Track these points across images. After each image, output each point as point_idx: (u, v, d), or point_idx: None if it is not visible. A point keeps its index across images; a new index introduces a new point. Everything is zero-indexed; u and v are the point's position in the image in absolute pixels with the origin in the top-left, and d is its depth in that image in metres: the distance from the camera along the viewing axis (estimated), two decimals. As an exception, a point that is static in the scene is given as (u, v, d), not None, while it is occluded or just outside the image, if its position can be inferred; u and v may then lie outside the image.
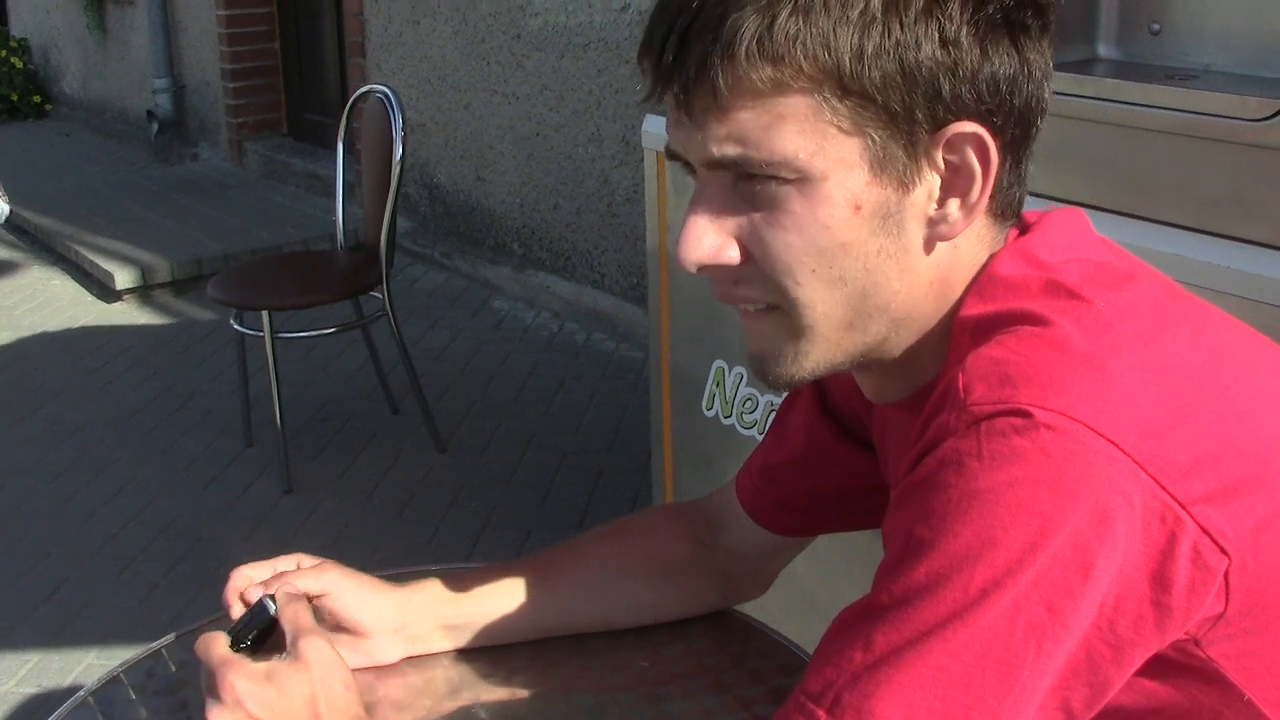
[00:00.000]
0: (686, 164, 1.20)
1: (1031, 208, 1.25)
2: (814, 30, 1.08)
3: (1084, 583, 1.01)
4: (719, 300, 1.23)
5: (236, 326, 4.95)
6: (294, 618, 1.42)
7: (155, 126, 9.75)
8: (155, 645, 1.69)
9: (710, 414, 3.10)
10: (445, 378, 5.77)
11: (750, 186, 1.14)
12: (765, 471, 1.62)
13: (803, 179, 1.12)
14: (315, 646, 1.38)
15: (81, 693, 1.60)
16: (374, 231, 4.90)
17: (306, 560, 1.59)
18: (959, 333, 1.17)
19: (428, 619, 1.61)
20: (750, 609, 1.75)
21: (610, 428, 5.27)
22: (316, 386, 5.72)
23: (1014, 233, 1.23)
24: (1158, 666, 1.08)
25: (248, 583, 1.52)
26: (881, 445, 1.44)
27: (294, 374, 5.48)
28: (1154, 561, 1.02)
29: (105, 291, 7.09)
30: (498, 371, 5.89)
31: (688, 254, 1.17)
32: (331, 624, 1.58)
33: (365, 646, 1.59)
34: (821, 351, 1.20)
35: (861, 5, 1.08)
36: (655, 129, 3.06)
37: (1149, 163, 2.14)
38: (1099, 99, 2.17)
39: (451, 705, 1.57)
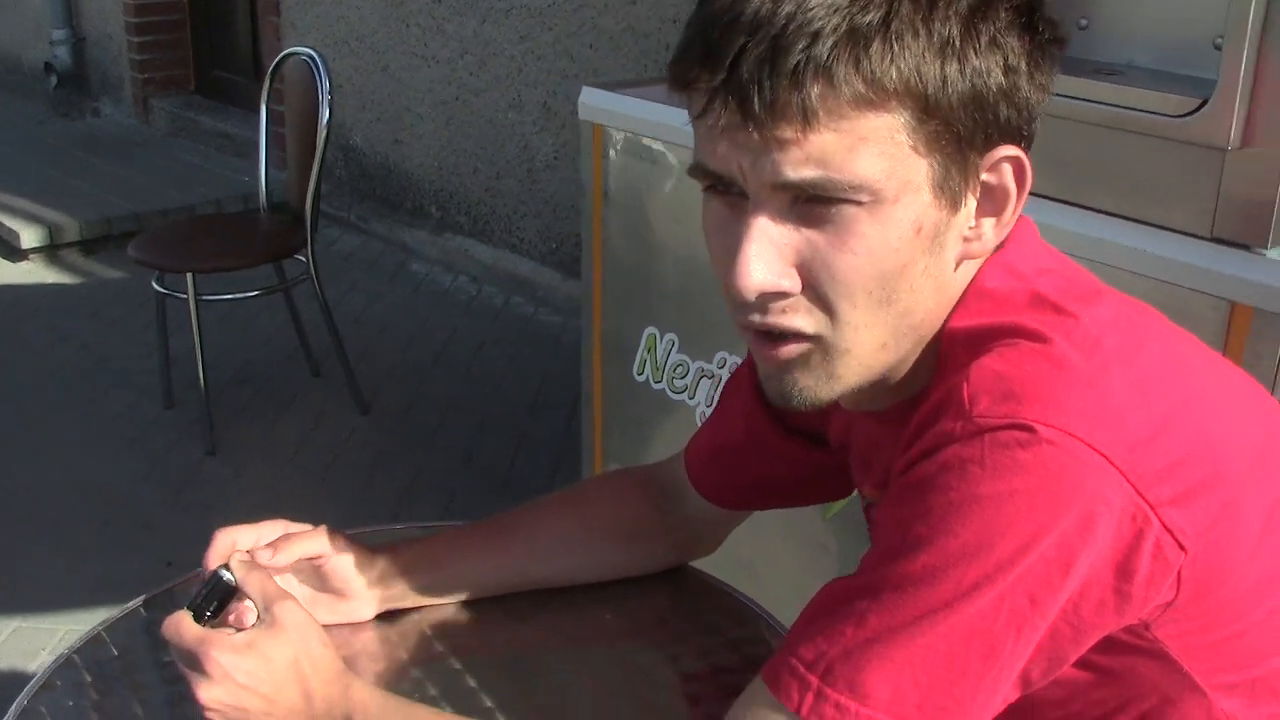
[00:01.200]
0: (715, 180, 1.19)
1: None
2: (906, 54, 1.10)
3: (1065, 578, 1.09)
4: (754, 330, 1.22)
5: (158, 288, 4.94)
6: (261, 585, 1.45)
7: (54, 80, 9.50)
8: (132, 604, 1.74)
9: (641, 379, 3.17)
10: (365, 341, 5.78)
11: (815, 209, 1.14)
12: (710, 451, 1.71)
13: (875, 201, 1.13)
14: (289, 610, 1.42)
15: (65, 650, 1.64)
16: (297, 194, 4.90)
17: (292, 526, 1.63)
18: (949, 344, 1.23)
19: (404, 584, 1.68)
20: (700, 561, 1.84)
21: (531, 391, 5.32)
22: (237, 349, 5.71)
23: None
24: (1109, 644, 1.17)
25: (231, 545, 1.54)
26: (843, 441, 1.51)
27: (213, 336, 5.43)
28: (1120, 555, 1.10)
29: (10, 251, 6.96)
30: (417, 335, 5.91)
31: (750, 279, 1.15)
32: (317, 586, 1.65)
33: (344, 607, 1.66)
34: (855, 373, 1.22)
35: (944, 32, 1.11)
36: (593, 101, 3.12)
37: (1077, 152, 2.23)
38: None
39: (425, 657, 1.64)
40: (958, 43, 1.12)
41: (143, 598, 1.75)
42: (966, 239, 1.21)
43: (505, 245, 6.51)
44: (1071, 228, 2.20)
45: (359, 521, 4.09)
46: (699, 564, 1.84)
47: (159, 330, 5.12)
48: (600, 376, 3.35)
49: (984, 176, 1.19)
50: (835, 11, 1.09)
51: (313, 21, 7.52)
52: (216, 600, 1.47)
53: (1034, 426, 1.09)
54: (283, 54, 5.16)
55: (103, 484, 4.62)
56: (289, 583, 1.62)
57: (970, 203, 1.20)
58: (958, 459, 1.11)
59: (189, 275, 4.70)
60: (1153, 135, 2.11)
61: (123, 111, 9.32)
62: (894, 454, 1.21)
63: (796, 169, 1.12)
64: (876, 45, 1.09)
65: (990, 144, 1.17)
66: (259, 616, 1.43)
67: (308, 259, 4.92)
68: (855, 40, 1.09)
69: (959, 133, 1.14)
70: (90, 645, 1.66)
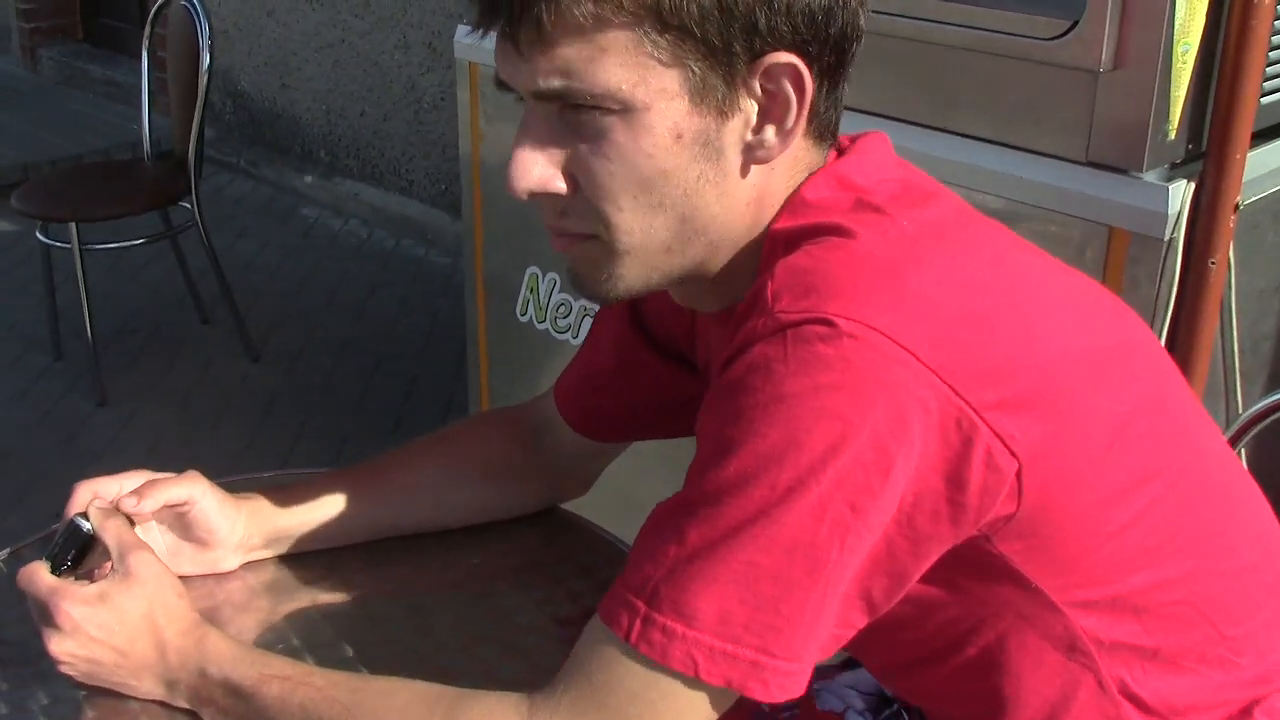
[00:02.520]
0: (503, 88, 1.23)
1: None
2: None
3: (883, 482, 1.08)
4: (546, 227, 1.27)
5: (42, 238, 4.87)
6: (117, 534, 1.45)
7: (-63, 30, 9.40)
8: (-5, 558, 1.70)
9: (524, 319, 3.16)
10: (255, 286, 5.73)
11: (576, 117, 1.18)
12: (580, 381, 1.69)
13: (625, 110, 1.16)
14: (143, 561, 1.42)
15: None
16: (181, 141, 4.84)
17: (156, 475, 1.60)
18: (770, 246, 1.23)
19: (265, 531, 1.65)
20: (571, 508, 1.82)
21: (422, 333, 5.30)
22: (125, 298, 5.64)
23: (832, 155, 1.29)
24: (954, 560, 1.16)
25: (91, 496, 1.53)
26: (704, 356, 1.50)
27: (101, 286, 5.38)
28: (950, 464, 1.09)
29: (-107, 203, 6.85)
30: (308, 279, 5.87)
31: (518, 182, 1.21)
32: (181, 534, 1.62)
33: (209, 557, 1.63)
34: (637, 273, 1.25)
35: None
36: (469, 39, 3.09)
37: (947, 77, 2.22)
38: (900, 15, 2.24)
39: (291, 606, 1.62)
40: None
41: (6, 551, 1.71)
42: (749, 145, 1.21)
43: (395, 188, 6.46)
44: (945, 154, 2.19)
45: (250, 468, 4.13)
46: (578, 505, 1.82)
47: (45, 281, 5.05)
48: (484, 318, 3.33)
49: (763, 84, 1.19)
50: None
51: (197, -36, 7.38)
52: (74, 550, 1.46)
53: (834, 320, 1.08)
54: (161, 0, 5.06)
55: (-10, 438, 4.57)
56: (151, 533, 1.60)
57: (747, 109, 1.20)
58: (763, 358, 1.10)
59: (73, 225, 4.65)
60: (1024, 59, 2.11)
61: (10, 61, 9.17)
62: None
63: (546, 79, 1.16)
64: None
65: (757, 53, 1.17)
66: (113, 567, 1.42)
67: (193, 205, 4.86)
68: None
69: (712, 42, 1.15)
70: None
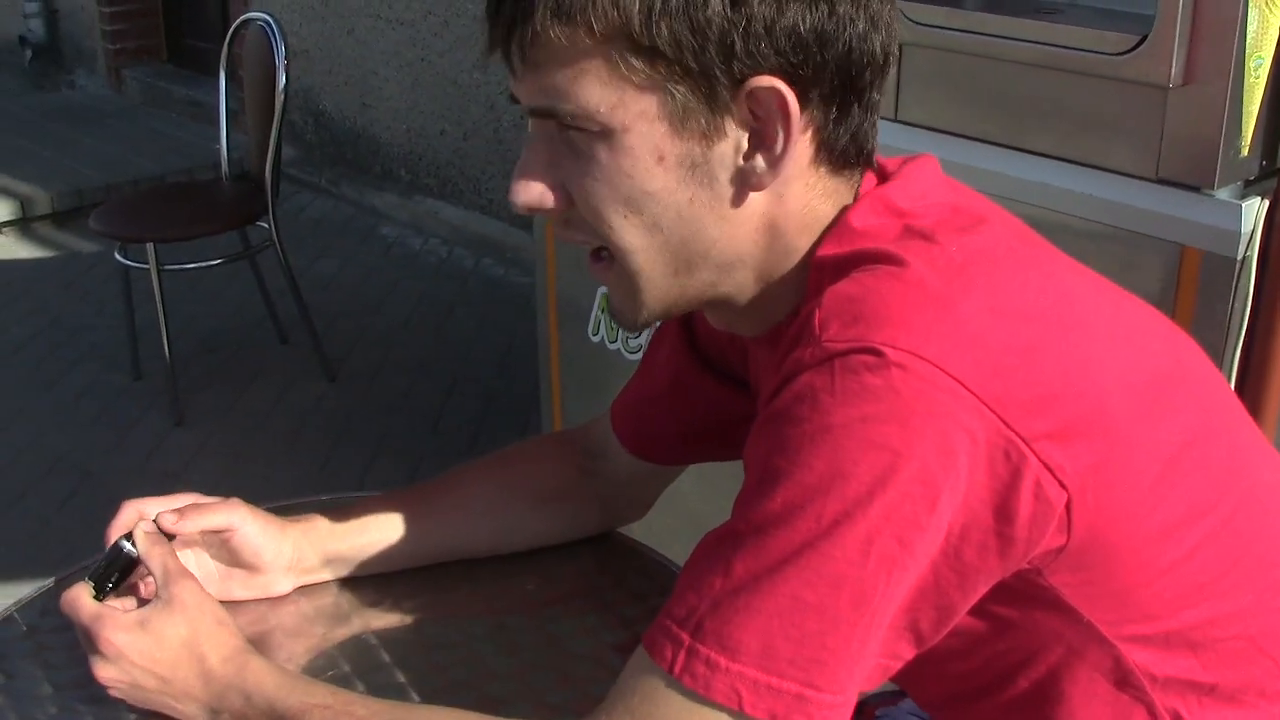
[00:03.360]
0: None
1: (900, 137, 1.29)
2: None
3: (930, 514, 1.05)
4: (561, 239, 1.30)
5: (120, 259, 4.91)
6: (160, 560, 1.44)
7: (28, 53, 9.52)
8: (47, 584, 1.69)
9: (596, 339, 3.14)
10: (334, 306, 5.75)
11: (569, 135, 1.19)
12: (636, 404, 1.67)
13: (606, 130, 1.17)
14: (185, 588, 1.41)
15: (-24, 630, 1.61)
16: (259, 161, 4.87)
17: (202, 499, 1.60)
18: (816, 272, 1.21)
19: (319, 553, 1.64)
20: (637, 529, 1.80)
21: (499, 353, 5.29)
22: (204, 318, 5.67)
23: (873, 180, 1.26)
24: (1003, 593, 1.14)
25: (137, 517, 1.53)
26: (754, 378, 1.48)
27: (181, 306, 5.43)
28: (998, 495, 1.07)
29: (-17, 224, 6.96)
30: (386, 299, 5.88)
31: (514, 196, 1.24)
32: (228, 560, 1.61)
33: (259, 581, 1.62)
34: (656, 297, 1.26)
35: None
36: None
37: (1015, 93, 2.19)
38: (967, 31, 2.22)
39: (343, 632, 1.60)
40: None
41: (54, 577, 1.71)
42: (741, 171, 1.20)
43: (474, 206, 6.47)
44: (1014, 172, 2.16)
45: (325, 488, 4.14)
46: (644, 527, 1.80)
47: (124, 301, 5.09)
48: (557, 338, 3.32)
49: (751, 109, 1.18)
50: None
51: (279, -14, 7.46)
52: (117, 572, 1.46)
53: (881, 349, 1.06)
54: (239, 20, 5.10)
55: (69, 457, 4.60)
56: (201, 559, 1.60)
57: (735, 135, 1.19)
58: (809, 387, 1.08)
59: (150, 245, 4.67)
60: (1093, 74, 2.07)
61: (96, 82, 9.30)
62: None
63: (533, 98, 1.20)
64: None
65: (736, 76, 1.16)
66: (156, 593, 1.42)
67: (270, 225, 4.88)
68: None
69: (689, 65, 1.14)
70: (2, 625, 1.63)
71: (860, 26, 1.17)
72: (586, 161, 1.19)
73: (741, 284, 1.27)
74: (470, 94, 6.32)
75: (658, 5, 1.12)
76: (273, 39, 4.73)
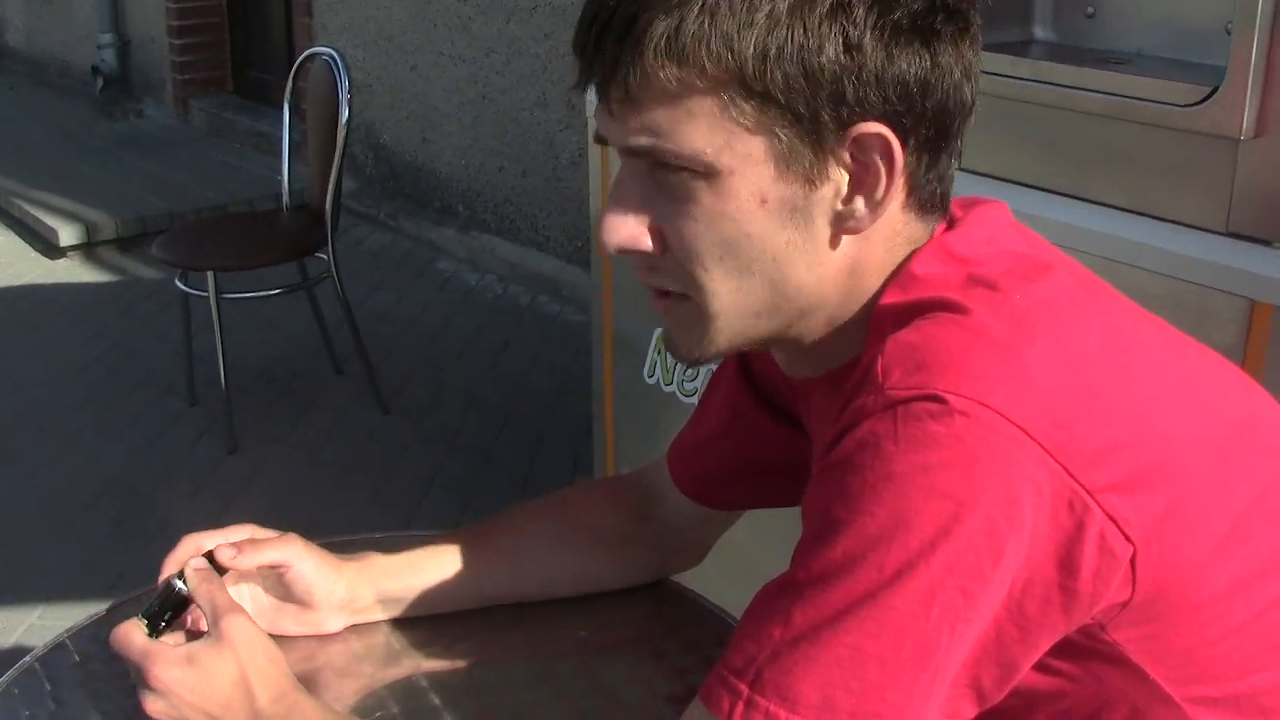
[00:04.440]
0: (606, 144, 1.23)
1: (966, 186, 1.28)
2: (719, 32, 1.11)
3: (995, 566, 1.04)
4: (638, 281, 1.28)
5: (181, 286, 4.94)
6: (210, 597, 1.43)
7: (100, 82, 9.65)
8: (99, 611, 1.69)
9: (651, 381, 3.13)
10: (389, 339, 5.76)
11: (664, 175, 1.18)
12: (693, 447, 1.66)
13: (710, 172, 1.15)
14: (236, 625, 1.40)
15: (27, 659, 1.61)
16: (319, 193, 4.89)
17: (259, 532, 1.59)
18: (879, 319, 1.20)
19: (373, 592, 1.63)
20: (691, 576, 1.78)
21: (553, 390, 5.28)
22: (261, 347, 5.70)
23: (941, 226, 1.25)
24: (1066, 649, 1.11)
25: (195, 551, 1.52)
26: (807, 422, 1.46)
27: (238, 334, 5.46)
28: (1062, 547, 1.05)
29: (49, 248, 7.02)
30: (441, 333, 5.89)
31: (607, 238, 1.22)
32: (281, 595, 1.60)
33: (311, 618, 1.62)
34: (726, 337, 1.25)
35: (767, 8, 1.11)
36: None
37: (1083, 143, 2.17)
38: (1034, 80, 2.20)
39: (393, 673, 1.59)
40: (783, 18, 1.12)
41: (108, 605, 1.71)
42: (839, 215, 1.19)
43: (531, 243, 6.48)
44: (1082, 223, 2.14)
45: (376, 521, 4.14)
46: (698, 572, 1.78)
47: (183, 328, 5.13)
48: (611, 377, 3.31)
49: (853, 154, 1.17)
50: None
51: (343, 22, 7.53)
52: (170, 610, 1.46)
53: (945, 397, 1.05)
54: (304, 54, 5.14)
55: (123, 480, 4.63)
56: (255, 592, 1.60)
57: (837, 178, 1.18)
58: (872, 435, 1.07)
59: (209, 273, 4.70)
60: (1163, 126, 2.05)
61: (164, 112, 9.41)
62: (828, 426, 1.18)
63: (635, 137, 1.17)
64: (689, 24, 1.12)
65: (845, 122, 1.15)
66: (207, 629, 1.41)
67: (329, 257, 4.90)
68: (670, 20, 1.12)
69: (798, 110, 1.14)
70: (54, 653, 1.63)
71: (956, 76, 1.17)
72: (686, 203, 1.18)
73: (814, 327, 1.26)
74: (529, 131, 6.34)
75: (772, 50, 1.11)
76: (337, 73, 4.76)
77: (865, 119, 1.15)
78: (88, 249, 7.01)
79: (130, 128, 9.32)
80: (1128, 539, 1.06)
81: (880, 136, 1.15)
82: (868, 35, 1.12)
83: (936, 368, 1.07)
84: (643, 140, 1.16)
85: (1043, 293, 1.16)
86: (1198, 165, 2.03)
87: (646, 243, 1.21)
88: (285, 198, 5.29)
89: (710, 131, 1.14)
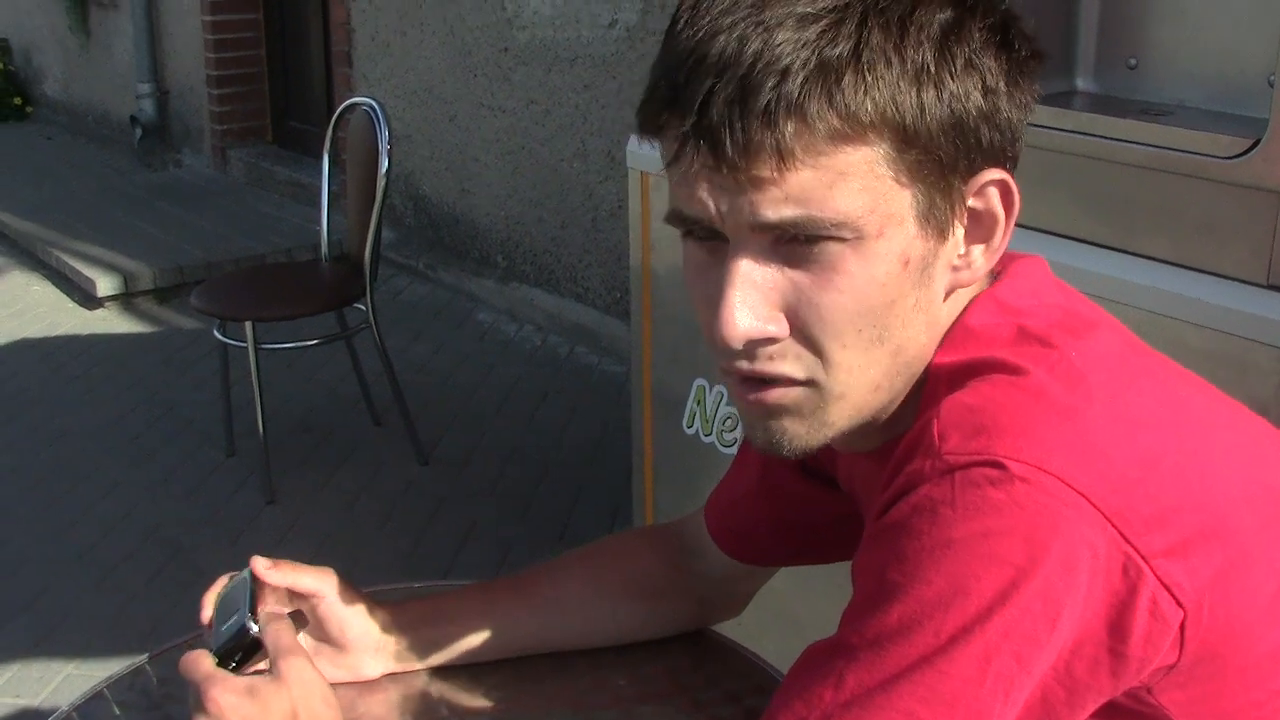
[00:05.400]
0: (692, 225, 1.14)
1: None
2: (880, 84, 1.06)
3: (1051, 631, 1.02)
4: (740, 376, 1.17)
5: (219, 336, 4.96)
6: (275, 637, 1.43)
7: (139, 131, 9.72)
8: (139, 660, 1.70)
9: (690, 432, 3.12)
10: (428, 390, 5.77)
11: (798, 249, 1.10)
12: (728, 502, 1.65)
13: (858, 237, 1.09)
14: (296, 666, 1.40)
15: (65, 708, 1.62)
16: (358, 243, 4.91)
17: (301, 568, 1.60)
18: (933, 381, 1.18)
19: (409, 639, 1.63)
20: (730, 626, 1.77)
21: (592, 442, 5.28)
22: (299, 397, 5.72)
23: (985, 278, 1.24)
24: (1111, 710, 1.10)
25: (226, 582, 1.54)
26: (849, 486, 1.44)
27: (277, 384, 5.48)
28: (1113, 610, 1.04)
29: (86, 298, 7.07)
30: (480, 384, 5.90)
31: (736, 328, 1.11)
32: (316, 634, 1.60)
33: (348, 661, 1.61)
34: (847, 416, 1.18)
35: (917, 58, 1.07)
36: (641, 149, 3.08)
37: (1125, 195, 2.16)
38: (1076, 132, 2.20)
39: (431, 723, 1.58)
40: (932, 68, 1.08)
41: (146, 655, 1.71)
42: (955, 268, 1.17)
43: (570, 294, 6.49)
44: (1122, 275, 2.13)
45: (414, 572, 4.13)
46: (736, 622, 1.77)
47: (221, 378, 5.15)
48: (650, 429, 3.30)
49: (970, 202, 1.15)
50: (803, 46, 1.05)
51: (383, 73, 7.58)
52: (241, 651, 1.46)
53: (1005, 463, 1.03)
54: (345, 104, 5.17)
55: (161, 531, 4.64)
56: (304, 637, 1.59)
57: (958, 230, 1.15)
58: (929, 500, 1.05)
59: (248, 324, 4.71)
60: (1204, 178, 2.04)
61: (202, 162, 9.46)
62: (878, 492, 1.16)
63: (776, 209, 1.08)
64: (849, 77, 1.05)
65: (974, 169, 1.13)
66: (269, 665, 1.42)
67: (367, 307, 4.91)
68: (826, 74, 1.05)
69: (941, 160, 1.10)
70: (91, 702, 1.63)
71: (1028, 118, 1.17)
72: (829, 274, 1.10)
73: (900, 395, 1.21)
74: (569, 183, 6.36)
75: (929, 99, 1.08)
76: (376, 123, 4.78)
77: (988, 165, 1.14)
78: (125, 299, 7.05)
79: (168, 177, 9.38)
80: (1179, 604, 1.05)
81: (1003, 181, 1.14)
82: (1001, 81, 1.12)
83: (995, 432, 1.06)
84: (788, 212, 1.08)
85: (1096, 350, 1.15)
86: (1239, 217, 2.02)
87: (777, 328, 1.12)
88: (324, 248, 5.31)
89: (863, 192, 1.08)
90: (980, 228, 1.16)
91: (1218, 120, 2.07)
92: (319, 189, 5.31)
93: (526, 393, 5.79)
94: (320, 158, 5.30)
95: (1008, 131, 1.14)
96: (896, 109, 1.07)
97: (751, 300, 1.11)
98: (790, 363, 1.14)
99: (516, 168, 6.71)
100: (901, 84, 1.07)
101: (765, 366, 1.15)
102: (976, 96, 1.10)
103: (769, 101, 1.04)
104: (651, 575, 1.70)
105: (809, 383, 1.15)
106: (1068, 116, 2.22)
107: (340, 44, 7.89)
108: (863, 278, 1.10)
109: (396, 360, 5.16)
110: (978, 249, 1.16)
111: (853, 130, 1.06)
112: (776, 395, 1.16)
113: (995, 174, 1.14)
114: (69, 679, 3.80)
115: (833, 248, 1.09)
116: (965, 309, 1.20)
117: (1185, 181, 2.07)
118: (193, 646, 1.49)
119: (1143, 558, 1.03)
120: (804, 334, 1.13)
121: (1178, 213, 2.10)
